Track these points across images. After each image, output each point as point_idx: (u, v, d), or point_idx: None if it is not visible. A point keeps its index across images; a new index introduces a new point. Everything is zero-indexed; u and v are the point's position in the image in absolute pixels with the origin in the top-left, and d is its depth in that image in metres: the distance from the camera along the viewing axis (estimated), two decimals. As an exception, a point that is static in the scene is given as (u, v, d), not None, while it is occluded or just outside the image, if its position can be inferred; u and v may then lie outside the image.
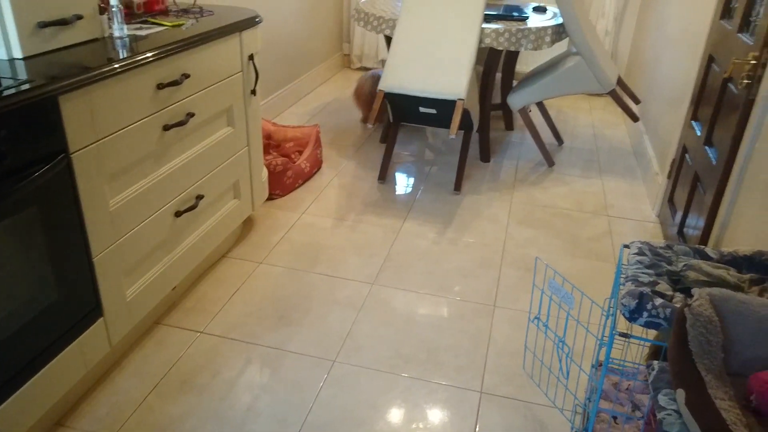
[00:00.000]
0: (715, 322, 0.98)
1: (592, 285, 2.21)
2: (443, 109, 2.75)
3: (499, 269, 2.28)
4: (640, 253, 1.43)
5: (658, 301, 1.17)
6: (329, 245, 2.39)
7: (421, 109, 2.81)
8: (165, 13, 2.04)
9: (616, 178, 3.13)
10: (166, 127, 1.70)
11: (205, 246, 2.02)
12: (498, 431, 1.57)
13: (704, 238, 2.00)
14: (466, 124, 2.88)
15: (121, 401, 1.62)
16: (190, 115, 1.80)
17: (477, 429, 1.58)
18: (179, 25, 1.86)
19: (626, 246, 1.51)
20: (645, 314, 1.17)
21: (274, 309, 2.01)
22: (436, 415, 1.62)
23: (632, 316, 1.18)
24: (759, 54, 1.73)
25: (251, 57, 2.13)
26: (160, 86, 1.63)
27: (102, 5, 1.65)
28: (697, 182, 2.18)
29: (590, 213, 2.75)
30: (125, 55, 1.51)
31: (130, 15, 1.95)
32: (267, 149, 2.94)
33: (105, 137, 1.47)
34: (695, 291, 1.04)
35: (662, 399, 1.00)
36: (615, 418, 1.53)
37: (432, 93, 2.68)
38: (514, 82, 4.00)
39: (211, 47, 1.86)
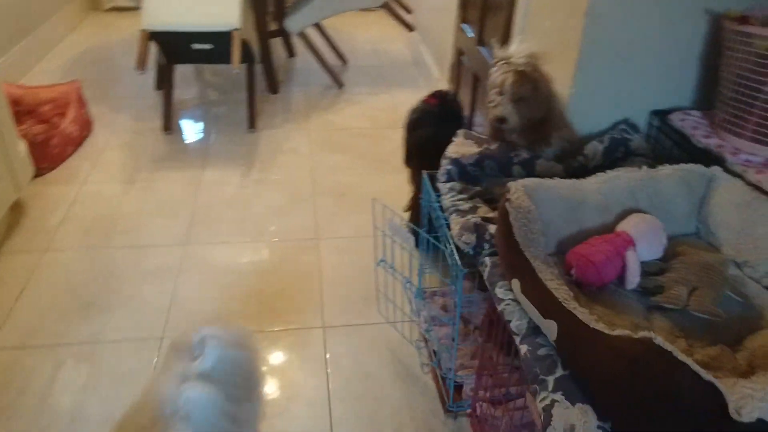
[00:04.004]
0: (533, 211, 1.04)
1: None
2: (219, 42, 2.53)
3: (313, 201, 2.24)
4: (449, 178, 1.44)
5: (492, 227, 1.20)
6: (124, 213, 2.13)
7: (195, 46, 2.56)
8: None
9: (402, 90, 3.21)
10: None
11: (-35, 247, 1.66)
12: (349, 359, 1.58)
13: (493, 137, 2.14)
14: (246, 55, 2.69)
15: None
16: None
17: (328, 363, 1.57)
18: None
19: (428, 173, 1.51)
20: (486, 245, 1.18)
21: (77, 298, 1.75)
22: (285, 361, 1.57)
23: (476, 251, 1.19)
24: (514, -49, 1.82)
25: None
26: None
27: None
28: (477, 82, 2.31)
29: (386, 128, 2.80)
30: None
31: None
32: (19, 118, 2.48)
33: None
34: (510, 184, 1.08)
35: (499, 291, 1.06)
36: (454, 339, 1.57)
37: (203, 26, 2.44)
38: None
39: None
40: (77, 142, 2.55)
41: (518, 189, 1.06)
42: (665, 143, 1.55)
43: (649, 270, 1.06)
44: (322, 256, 1.95)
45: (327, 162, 2.50)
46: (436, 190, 1.45)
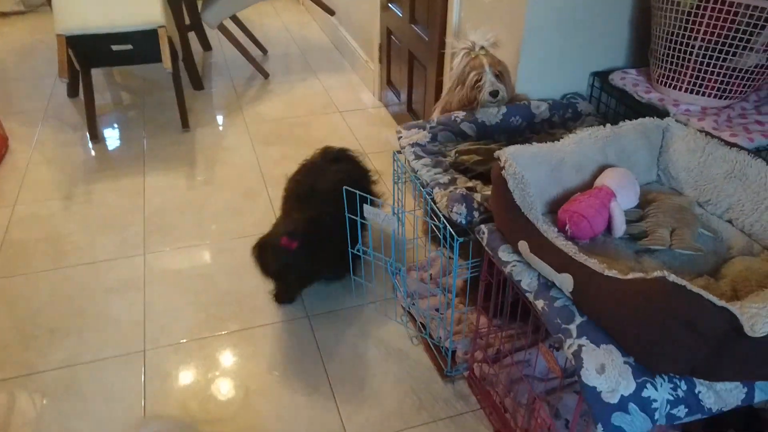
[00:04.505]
0: (525, 177, 1.11)
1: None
2: (141, 42, 2.42)
3: (267, 194, 2.22)
4: (417, 156, 1.51)
5: (478, 196, 1.27)
6: (69, 231, 2.02)
7: (114, 48, 2.44)
8: None
9: (328, 74, 3.21)
10: None
11: None
12: (339, 343, 1.60)
13: (437, 109, 2.20)
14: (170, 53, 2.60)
15: None
16: None
17: (321, 349, 1.58)
18: None
19: (399, 152, 1.56)
20: (475, 213, 1.25)
21: (39, 325, 1.66)
22: (279, 353, 1.57)
23: (467, 220, 1.25)
24: (444, -71, 1.87)
25: None
26: None
27: None
28: (414, 59, 2.36)
29: (321, 114, 2.80)
30: None
31: None
32: (-76, 142, 2.28)
33: None
34: (498, 154, 1.14)
35: (503, 255, 1.12)
36: (437, 309, 1.63)
37: (125, 26, 2.33)
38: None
39: None
40: (-4, 161, 2.37)
41: (507, 158, 1.12)
42: (608, 102, 1.68)
43: (630, 218, 1.16)
44: (288, 248, 1.94)
45: (270, 154, 2.47)
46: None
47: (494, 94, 1.54)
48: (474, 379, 1.47)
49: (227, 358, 1.56)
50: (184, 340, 1.61)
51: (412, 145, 1.56)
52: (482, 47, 1.51)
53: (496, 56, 1.52)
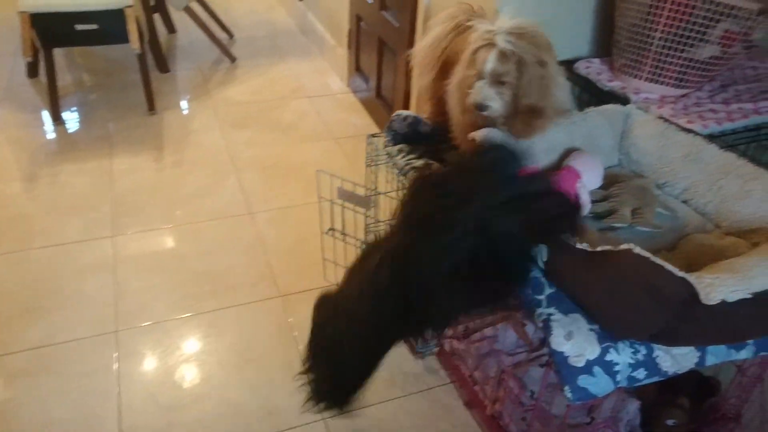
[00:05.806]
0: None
1: (331, 165, 2.32)
2: (106, 21, 2.38)
3: (237, 177, 2.22)
4: (395, 141, 1.54)
5: None
6: (34, 213, 1.99)
7: (78, 27, 2.39)
8: None
9: (296, 59, 3.20)
10: None
11: None
12: (309, 324, 1.64)
13: (406, 99, 2.24)
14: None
15: None
16: None
17: (293, 328, 1.61)
18: None
19: (373, 135, 1.59)
20: None
21: (12, 306, 1.64)
22: (251, 332, 1.60)
23: None
24: None
25: None
26: None
27: None
28: (384, 45, 2.39)
29: (290, 98, 2.81)
30: None
31: None
32: None
33: None
34: (473, 135, 1.19)
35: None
36: None
37: (90, 5, 2.28)
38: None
39: None
40: (-46, 141, 2.31)
41: (484, 141, 1.17)
42: (572, 90, 1.74)
43: (594, 198, 1.22)
44: (260, 230, 1.97)
45: (239, 137, 2.47)
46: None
47: (478, 107, 1.08)
48: (444, 354, 1.53)
49: (200, 337, 1.58)
50: (154, 321, 1.62)
51: (388, 131, 1.60)
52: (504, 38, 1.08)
53: (519, 54, 1.08)
